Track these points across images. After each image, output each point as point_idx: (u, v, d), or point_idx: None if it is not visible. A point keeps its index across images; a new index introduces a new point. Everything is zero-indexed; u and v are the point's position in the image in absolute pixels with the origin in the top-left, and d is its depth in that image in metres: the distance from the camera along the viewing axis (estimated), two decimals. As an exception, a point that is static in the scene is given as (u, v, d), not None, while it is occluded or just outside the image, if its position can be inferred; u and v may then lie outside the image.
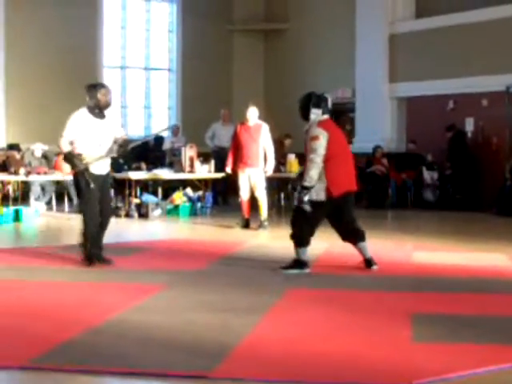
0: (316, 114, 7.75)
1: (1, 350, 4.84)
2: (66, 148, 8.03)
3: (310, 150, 7.66)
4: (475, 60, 15.82)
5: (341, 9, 18.28)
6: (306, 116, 7.82)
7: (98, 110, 8.09)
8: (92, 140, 8.02)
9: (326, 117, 7.81)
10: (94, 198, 8.06)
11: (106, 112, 8.21)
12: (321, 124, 7.72)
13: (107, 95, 8.11)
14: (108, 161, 8.26)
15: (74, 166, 8.07)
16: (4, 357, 4.67)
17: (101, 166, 8.12)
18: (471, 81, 15.74)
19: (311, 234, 7.82)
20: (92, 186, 7.92)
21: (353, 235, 7.92)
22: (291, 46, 19.48)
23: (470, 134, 16.22)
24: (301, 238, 7.80)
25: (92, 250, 8.12)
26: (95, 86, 8.19)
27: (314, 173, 7.59)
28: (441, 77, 16.30)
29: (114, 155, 8.35)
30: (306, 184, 7.60)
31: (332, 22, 18.46)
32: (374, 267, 7.88)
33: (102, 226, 8.20)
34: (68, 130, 8.05)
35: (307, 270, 7.80)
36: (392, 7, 17.33)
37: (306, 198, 7.59)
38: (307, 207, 7.59)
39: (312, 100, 7.79)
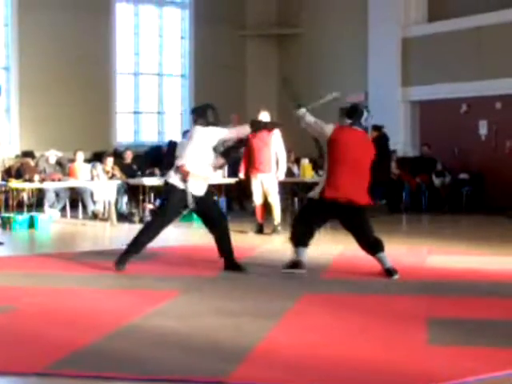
0: (345, 123, 7.82)
1: (17, 356, 4.85)
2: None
3: None
4: (488, 63, 15.78)
5: (354, 13, 18.28)
6: (340, 121, 7.90)
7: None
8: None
9: (353, 127, 7.79)
10: (169, 218, 8.21)
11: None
12: (337, 127, 7.79)
13: (216, 116, 8.15)
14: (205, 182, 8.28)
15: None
16: (20, 363, 4.69)
17: (199, 187, 8.14)
18: (484, 84, 15.69)
19: (308, 234, 7.87)
20: (192, 206, 8.07)
21: (369, 247, 7.85)
22: (304, 50, 19.46)
23: (483, 138, 16.18)
24: (296, 239, 7.91)
25: (224, 258, 8.29)
26: (204, 108, 8.21)
27: (308, 120, 7.84)
28: (454, 80, 16.26)
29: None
30: (301, 108, 7.89)
31: (345, 26, 18.44)
32: (396, 276, 7.70)
33: (222, 238, 8.26)
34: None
35: (303, 271, 7.84)
36: (404, 11, 17.32)
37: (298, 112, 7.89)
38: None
39: (348, 109, 7.87)
